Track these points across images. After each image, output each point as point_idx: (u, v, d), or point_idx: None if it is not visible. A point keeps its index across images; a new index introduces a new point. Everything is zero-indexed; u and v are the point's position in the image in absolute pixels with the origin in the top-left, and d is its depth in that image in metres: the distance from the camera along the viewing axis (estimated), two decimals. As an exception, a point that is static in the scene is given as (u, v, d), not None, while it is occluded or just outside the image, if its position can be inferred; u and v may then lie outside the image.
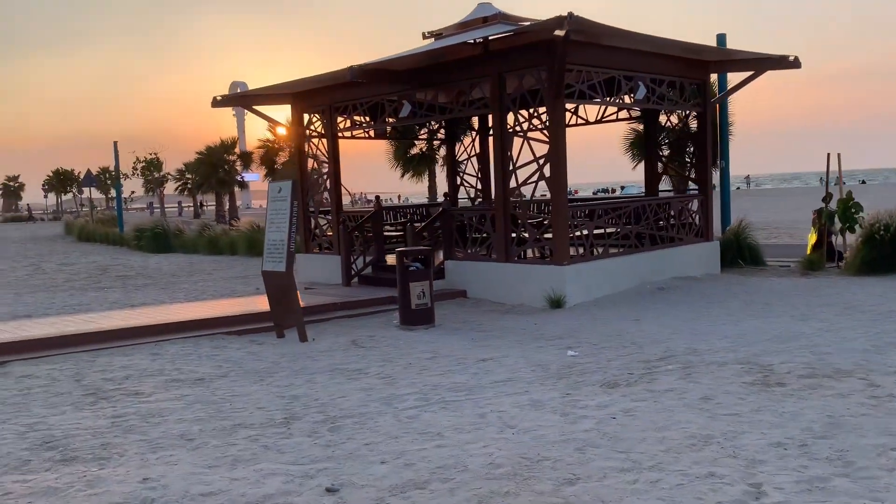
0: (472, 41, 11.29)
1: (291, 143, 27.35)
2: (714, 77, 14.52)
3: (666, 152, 14.99)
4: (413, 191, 47.15)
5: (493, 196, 16.70)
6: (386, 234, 14.35)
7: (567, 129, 11.68)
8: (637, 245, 12.22)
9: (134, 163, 64.98)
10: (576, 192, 55.79)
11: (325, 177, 14.52)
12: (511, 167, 11.40)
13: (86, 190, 49.15)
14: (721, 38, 14.47)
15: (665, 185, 15.67)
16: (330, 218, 14.66)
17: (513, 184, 11.46)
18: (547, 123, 11.23)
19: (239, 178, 40.51)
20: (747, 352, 7.40)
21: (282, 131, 28.47)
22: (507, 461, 4.65)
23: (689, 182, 14.03)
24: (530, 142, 11.19)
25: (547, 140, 10.98)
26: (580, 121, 14.68)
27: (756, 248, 14.42)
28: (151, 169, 62.03)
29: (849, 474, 4.21)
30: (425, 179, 30.15)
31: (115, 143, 33.58)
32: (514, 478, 4.38)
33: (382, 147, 28.31)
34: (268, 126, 31.55)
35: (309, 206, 14.79)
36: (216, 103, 14.49)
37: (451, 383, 6.71)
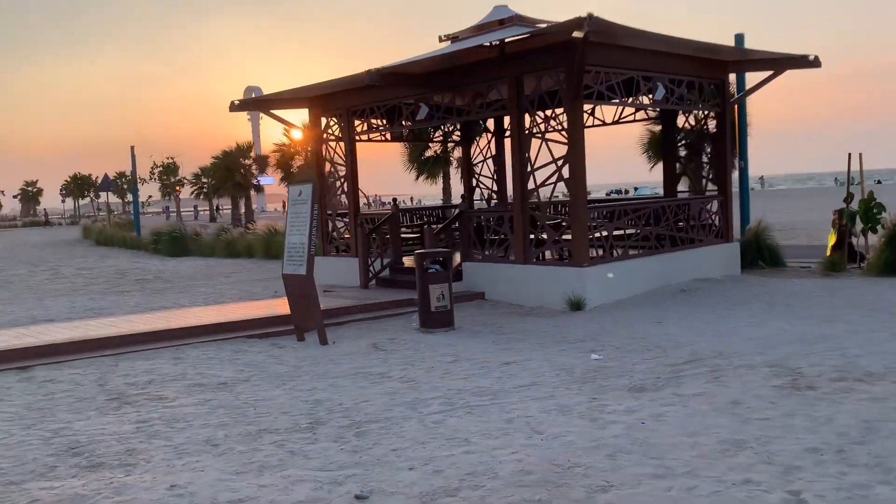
0: (489, 44, 11.24)
1: (308, 146, 27.43)
2: (731, 77, 14.39)
3: (682, 153, 14.85)
4: (425, 192, 47.19)
5: (508, 198, 16.70)
6: (402, 235, 14.32)
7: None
8: (657, 246, 12.11)
9: (151, 167, 65.57)
10: (588, 193, 55.44)
11: (342, 180, 14.52)
12: (529, 168, 11.34)
13: (103, 194, 49.55)
14: (739, 38, 14.34)
15: (681, 185, 15.53)
16: (347, 220, 14.65)
17: (531, 185, 11.40)
18: (565, 124, 11.16)
19: (255, 181, 40.66)
20: (775, 354, 7.29)
21: (297, 134, 28.56)
22: (537, 468, 4.58)
23: (708, 183, 13.90)
24: (548, 143, 11.12)
25: (565, 141, 10.91)
26: (597, 122, 14.59)
27: (776, 248, 14.28)
28: (168, 174, 62.52)
29: (890, 481, 4.12)
30: (440, 181, 30.17)
31: (133, 147, 33.89)
32: (545, 485, 4.31)
33: (396, 150, 28.35)
34: (283, 130, 31.70)
35: (326, 208, 14.78)
36: (234, 108, 14.52)
37: (475, 387, 6.65)
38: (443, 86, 12.43)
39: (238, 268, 19.78)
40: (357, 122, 14.34)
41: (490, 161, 16.57)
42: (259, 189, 43.56)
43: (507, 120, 15.69)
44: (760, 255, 13.84)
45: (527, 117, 11.46)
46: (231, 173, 39.44)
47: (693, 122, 14.54)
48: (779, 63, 12.68)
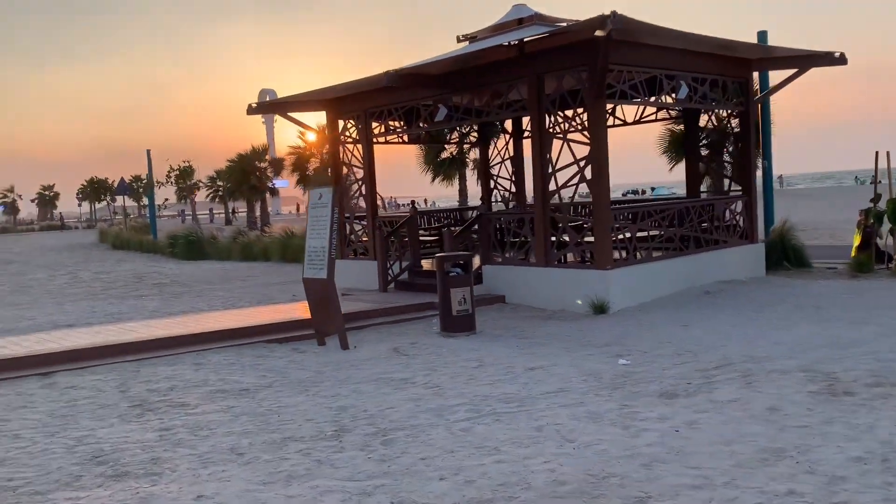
0: (508, 43, 11.11)
1: (324, 148, 27.40)
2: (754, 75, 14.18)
3: (704, 153, 14.66)
4: (441, 194, 47.08)
5: (527, 199, 16.56)
6: (420, 238, 14.21)
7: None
8: (681, 248, 11.93)
9: (168, 171, 65.99)
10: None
11: (359, 182, 14.44)
12: (550, 170, 11.20)
13: (119, 198, 49.85)
14: (762, 35, 14.12)
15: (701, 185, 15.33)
16: (364, 223, 14.57)
17: (552, 186, 11.26)
18: (586, 124, 11.01)
19: (270, 184, 40.71)
20: (807, 358, 7.12)
21: (311, 137, 28.53)
22: (571, 478, 4.46)
23: (730, 182, 13.69)
24: (570, 144, 10.97)
25: (587, 141, 10.76)
26: (617, 122, 14.42)
27: (801, 249, 14.04)
28: (185, 177, 62.84)
29: (942, 493, 3.96)
30: (455, 183, 30.03)
31: (149, 151, 33.99)
32: (581, 496, 4.19)
33: (411, 151, 28.28)
34: (298, 133, 31.69)
35: (344, 211, 14.71)
36: (251, 111, 14.50)
37: (502, 394, 6.53)
38: (461, 86, 12.32)
39: (254, 271, 19.77)
40: (374, 124, 14.27)
41: (508, 162, 16.43)
42: (274, 192, 43.62)
43: (525, 120, 15.57)
44: (785, 255, 13.62)
45: (547, 117, 11.33)
46: (246, 176, 39.49)
47: (715, 122, 14.35)
48: (804, 60, 12.47)
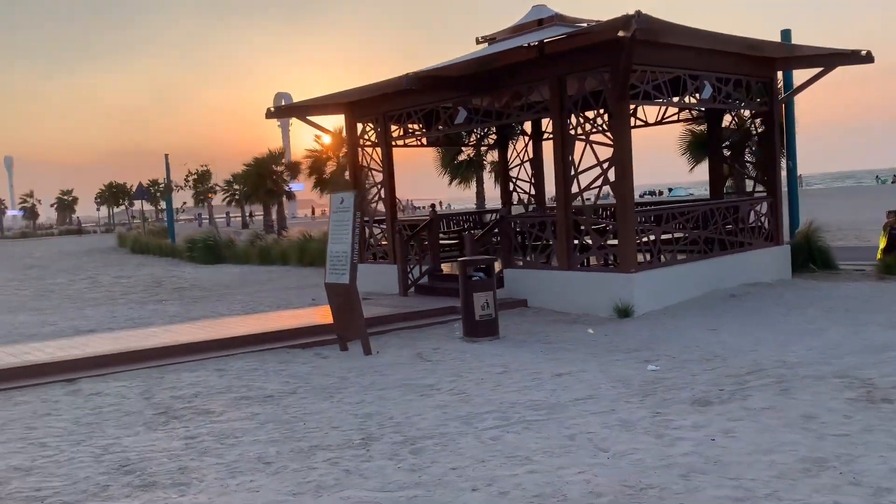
0: (528, 44, 11.01)
1: (341, 152, 27.41)
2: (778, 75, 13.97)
3: (726, 153, 14.47)
4: (458, 197, 46.95)
5: (548, 202, 16.43)
6: (440, 242, 14.12)
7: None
8: (705, 250, 11.76)
9: (186, 175, 66.43)
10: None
11: (378, 186, 14.38)
12: (573, 172, 11.08)
13: (137, 202, 50.15)
14: (786, 34, 13.92)
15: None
16: (384, 227, 14.51)
17: (574, 189, 11.13)
18: (607, 125, 10.88)
19: (287, 188, 40.80)
20: (841, 364, 6.96)
21: (327, 139, 28.54)
22: (608, 489, 4.35)
23: (753, 183, 13.49)
24: (592, 145, 10.85)
25: (610, 143, 10.63)
26: (639, 122, 14.27)
27: (827, 251, 13.82)
28: (203, 181, 63.20)
29: None
30: (473, 185, 29.95)
31: (167, 155, 34.24)
32: (619, 508, 4.08)
33: (428, 153, 28.22)
34: (314, 136, 31.74)
35: (363, 215, 14.65)
36: (270, 115, 14.49)
37: (530, 401, 6.42)
38: (481, 88, 12.23)
39: (273, 275, 19.76)
40: (393, 127, 14.21)
41: (527, 164, 16.31)
42: (290, 196, 43.71)
43: (545, 122, 15.45)
44: (811, 257, 13.40)
45: (569, 119, 11.20)
46: (263, 180, 39.61)
47: (739, 122, 14.16)
48: (829, 59, 12.27)
